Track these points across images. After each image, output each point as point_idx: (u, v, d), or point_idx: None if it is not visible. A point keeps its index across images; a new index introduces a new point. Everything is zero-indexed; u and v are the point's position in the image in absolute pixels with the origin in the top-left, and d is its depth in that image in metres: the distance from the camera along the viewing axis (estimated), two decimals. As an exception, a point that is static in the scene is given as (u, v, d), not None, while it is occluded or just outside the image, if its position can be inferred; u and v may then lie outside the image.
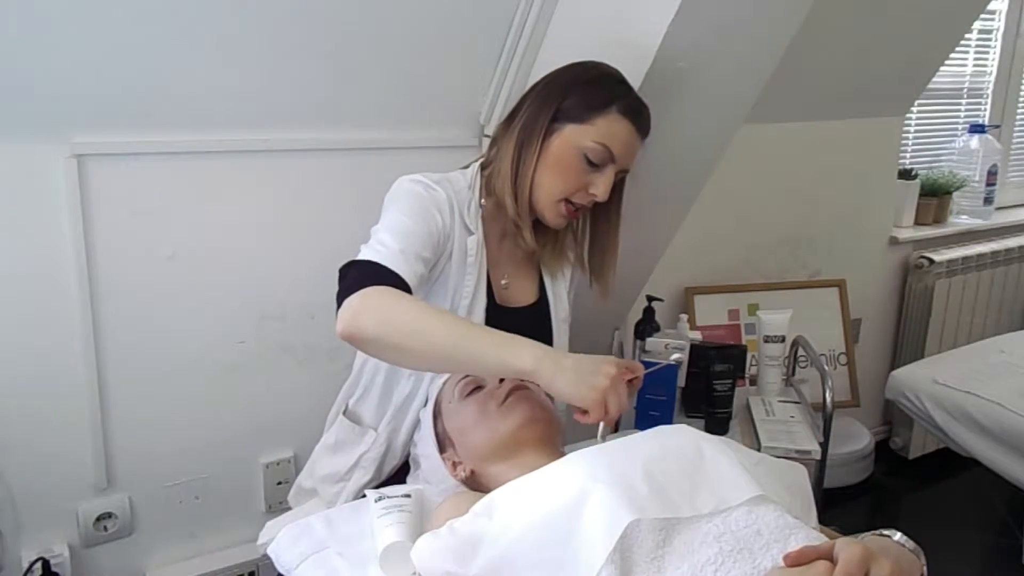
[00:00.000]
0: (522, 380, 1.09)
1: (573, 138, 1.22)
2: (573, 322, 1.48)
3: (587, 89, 1.23)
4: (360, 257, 1.11)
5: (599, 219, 1.35)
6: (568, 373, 0.99)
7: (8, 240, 1.38)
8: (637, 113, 1.25)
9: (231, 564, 1.67)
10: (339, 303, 1.04)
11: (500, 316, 1.27)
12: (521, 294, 1.35)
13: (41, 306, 1.42)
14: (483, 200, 1.28)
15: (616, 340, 1.91)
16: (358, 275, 1.07)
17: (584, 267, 1.38)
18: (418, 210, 1.18)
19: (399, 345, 1.02)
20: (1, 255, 1.38)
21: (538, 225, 1.31)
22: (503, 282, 1.32)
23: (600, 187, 1.23)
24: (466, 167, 1.32)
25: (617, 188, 1.30)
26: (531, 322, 1.33)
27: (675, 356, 1.52)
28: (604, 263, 1.36)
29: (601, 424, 1.03)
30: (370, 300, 1.03)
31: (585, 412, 1.01)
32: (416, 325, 1.01)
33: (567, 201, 1.25)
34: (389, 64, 1.53)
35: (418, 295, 1.17)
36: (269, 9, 1.37)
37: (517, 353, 1.00)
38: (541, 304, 1.36)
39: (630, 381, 1.29)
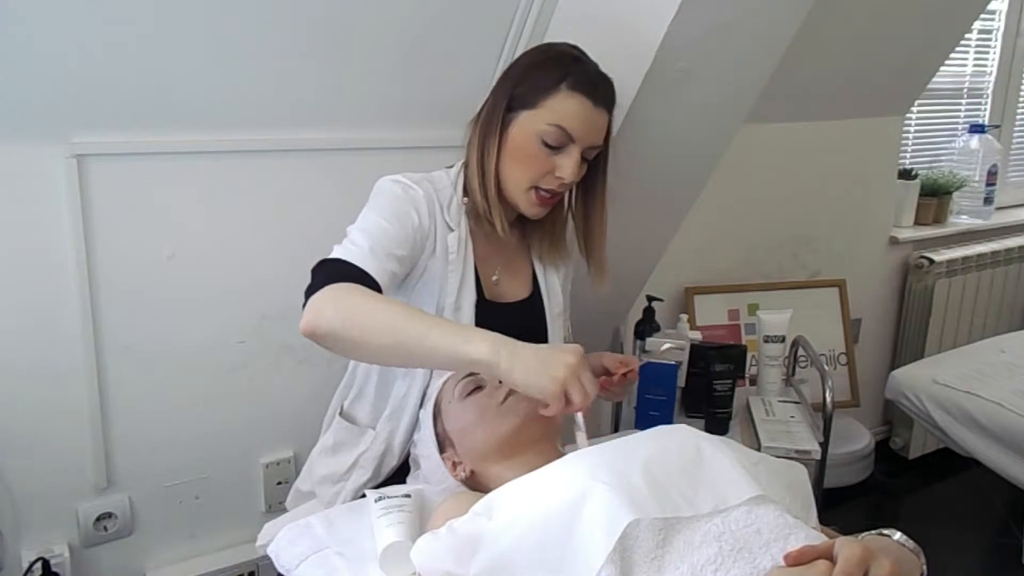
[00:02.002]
0: None
1: (528, 124, 1.20)
2: (574, 322, 1.48)
3: (536, 72, 1.22)
4: (330, 256, 1.11)
5: (586, 198, 1.32)
6: (526, 363, 0.97)
7: (8, 240, 1.37)
8: (591, 86, 1.20)
9: (231, 564, 1.67)
10: (305, 300, 1.05)
11: (491, 312, 1.26)
12: (513, 289, 1.34)
13: (41, 306, 1.42)
14: (466, 197, 1.27)
15: (617, 340, 1.92)
16: (326, 273, 1.07)
17: (580, 248, 1.36)
18: (393, 209, 1.18)
19: (355, 339, 1.02)
20: (1, 255, 1.37)
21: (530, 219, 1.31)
22: (493, 278, 1.31)
23: (566, 169, 1.21)
24: (451, 166, 1.31)
25: (600, 164, 1.27)
26: (524, 317, 1.33)
27: (665, 346, 1.51)
28: (593, 242, 1.34)
29: (578, 415, 1.01)
30: (330, 296, 1.04)
31: (547, 405, 0.98)
32: (371, 319, 1.01)
33: (537, 189, 1.23)
34: (389, 64, 1.53)
35: (393, 294, 1.17)
36: (269, 9, 1.37)
37: (472, 344, 0.98)
38: (535, 298, 1.35)
39: (625, 375, 1.29)
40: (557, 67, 1.21)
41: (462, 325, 1.03)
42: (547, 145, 1.20)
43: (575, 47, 1.27)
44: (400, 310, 1.04)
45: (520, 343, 0.99)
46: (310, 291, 1.05)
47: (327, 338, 1.03)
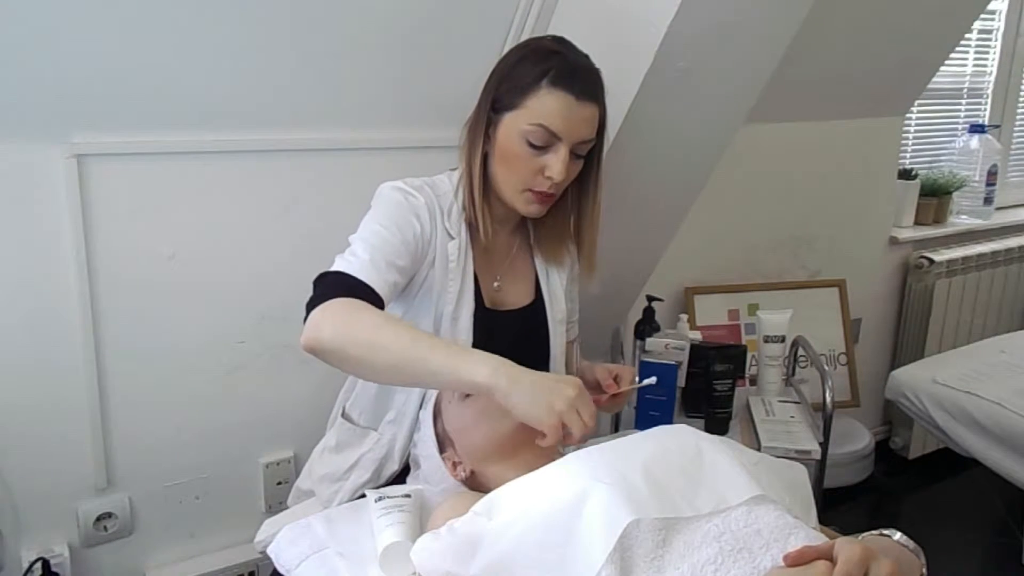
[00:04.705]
0: None
1: (511, 126, 1.18)
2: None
3: (516, 71, 1.19)
4: (332, 268, 1.11)
5: (578, 193, 1.28)
6: (523, 392, 0.96)
7: (8, 240, 1.37)
8: (570, 80, 1.15)
9: (231, 564, 1.67)
10: (306, 314, 1.05)
11: (491, 320, 1.25)
12: (515, 296, 1.32)
13: (41, 306, 1.42)
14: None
15: (617, 340, 1.92)
16: (326, 286, 1.07)
17: (573, 240, 1.34)
18: (394, 218, 1.17)
19: (356, 357, 1.02)
20: (1, 255, 1.37)
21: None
22: (495, 284, 1.30)
23: (554, 168, 1.17)
24: (455, 169, 1.29)
25: (594, 158, 1.25)
26: (525, 324, 1.32)
27: (646, 381, 1.32)
28: (584, 238, 1.31)
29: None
30: (330, 312, 1.03)
31: (544, 436, 0.97)
32: (372, 338, 1.01)
33: (530, 190, 1.20)
34: (389, 64, 1.53)
35: (394, 303, 1.17)
36: (268, 9, 1.38)
37: (472, 367, 0.97)
38: (537, 305, 1.34)
39: (614, 396, 1.24)
40: (537, 63, 1.17)
41: (464, 348, 1.02)
42: (533, 145, 1.16)
43: (559, 39, 1.23)
44: (402, 331, 1.03)
45: (522, 370, 0.98)
46: (311, 305, 1.05)
47: (327, 354, 1.03)
